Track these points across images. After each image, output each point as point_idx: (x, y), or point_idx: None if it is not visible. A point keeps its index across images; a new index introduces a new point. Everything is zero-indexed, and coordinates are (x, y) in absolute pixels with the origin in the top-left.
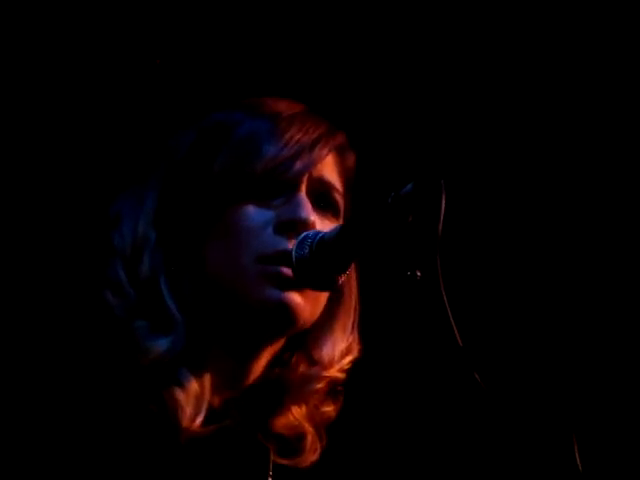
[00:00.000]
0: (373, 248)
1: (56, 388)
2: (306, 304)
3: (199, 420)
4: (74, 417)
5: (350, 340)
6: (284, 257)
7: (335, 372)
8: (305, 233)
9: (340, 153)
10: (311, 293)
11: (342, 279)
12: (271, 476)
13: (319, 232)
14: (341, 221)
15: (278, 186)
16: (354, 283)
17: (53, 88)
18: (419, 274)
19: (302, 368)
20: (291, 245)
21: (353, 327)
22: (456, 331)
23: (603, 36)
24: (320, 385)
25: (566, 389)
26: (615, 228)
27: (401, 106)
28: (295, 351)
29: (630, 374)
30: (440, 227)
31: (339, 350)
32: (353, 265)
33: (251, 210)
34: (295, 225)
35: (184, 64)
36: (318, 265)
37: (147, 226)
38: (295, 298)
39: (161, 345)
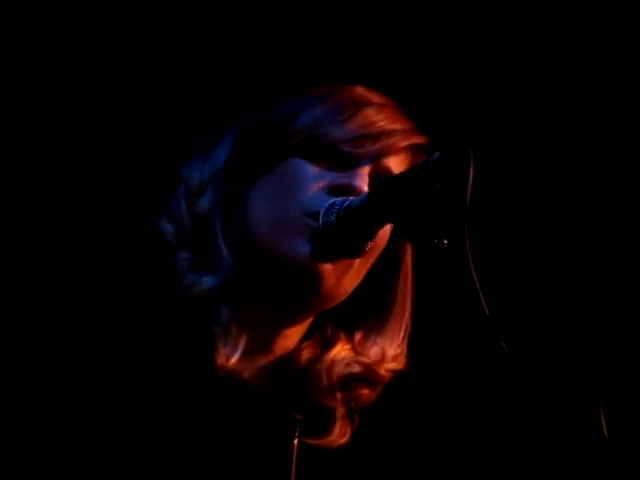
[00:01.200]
0: (401, 215)
1: (95, 311)
2: (334, 272)
3: (234, 359)
4: (111, 342)
5: (400, 350)
6: None
7: (379, 368)
8: (332, 200)
9: (414, 155)
10: (343, 265)
11: (369, 247)
12: (296, 445)
13: (346, 199)
14: None
15: (345, 158)
16: (409, 286)
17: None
18: (446, 242)
19: (344, 352)
20: None
21: (405, 336)
22: (483, 300)
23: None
24: (359, 370)
25: (593, 357)
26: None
27: (431, 76)
28: (337, 332)
29: None
30: (468, 195)
31: (389, 354)
32: (410, 267)
33: (309, 167)
34: (349, 192)
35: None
36: (345, 232)
37: (216, 167)
38: (325, 265)
39: (207, 281)
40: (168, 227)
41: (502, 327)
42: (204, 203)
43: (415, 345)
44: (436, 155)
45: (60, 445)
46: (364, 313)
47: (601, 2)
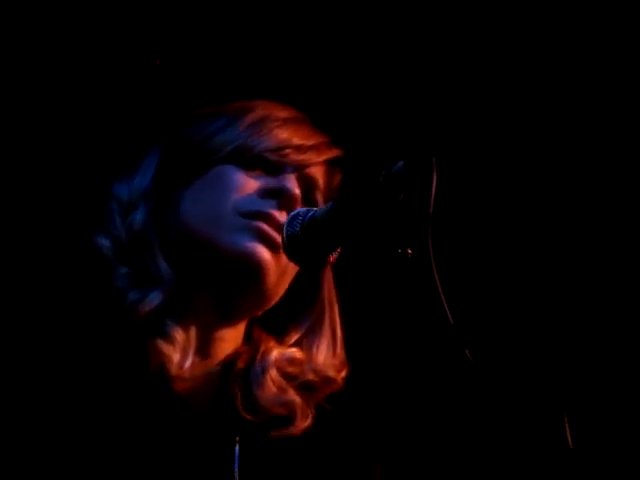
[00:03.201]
0: (364, 226)
1: (39, 337)
2: (277, 268)
3: (187, 366)
4: (57, 368)
5: (341, 358)
6: (266, 217)
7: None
8: (297, 210)
9: (331, 168)
10: (282, 264)
11: (333, 257)
12: (238, 444)
13: (310, 210)
14: None
15: (272, 166)
16: (334, 297)
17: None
18: (410, 252)
19: (275, 353)
20: (274, 210)
21: (341, 346)
22: (447, 309)
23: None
24: (312, 378)
25: (557, 366)
26: (605, 207)
27: (393, 84)
28: (261, 333)
29: (621, 352)
30: (431, 205)
31: (332, 364)
32: (331, 279)
33: (238, 172)
34: (281, 194)
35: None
36: (309, 243)
37: (145, 181)
38: (267, 255)
39: (153, 298)
40: (105, 242)
41: (466, 336)
42: (137, 217)
43: (380, 354)
44: (399, 165)
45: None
46: (290, 319)
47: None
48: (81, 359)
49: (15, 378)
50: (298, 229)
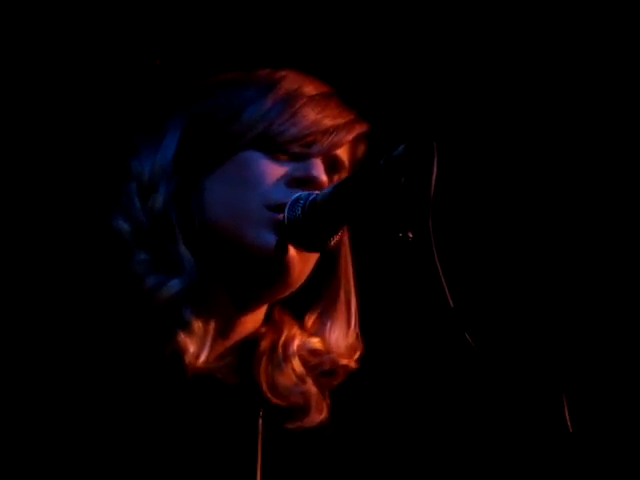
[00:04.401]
0: (365, 210)
1: (55, 322)
2: (299, 261)
3: (203, 358)
4: (76, 354)
5: (355, 335)
6: None
7: (336, 355)
8: (298, 194)
9: (356, 141)
10: (304, 254)
11: (333, 241)
12: (261, 418)
13: (311, 193)
14: None
15: (297, 153)
16: (350, 271)
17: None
18: (411, 235)
19: (297, 338)
20: None
21: (355, 321)
22: (447, 292)
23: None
24: (318, 360)
25: (557, 349)
26: (605, 194)
27: (395, 68)
28: (284, 314)
29: (620, 334)
30: (432, 189)
31: (342, 340)
32: (348, 254)
33: (264, 160)
34: (308, 182)
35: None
36: (310, 226)
37: (165, 161)
38: (292, 251)
39: (173, 285)
40: (124, 226)
41: (466, 319)
42: (158, 200)
43: (381, 337)
44: (400, 149)
45: (29, 444)
46: (310, 298)
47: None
48: (98, 342)
49: (32, 362)
50: (299, 213)
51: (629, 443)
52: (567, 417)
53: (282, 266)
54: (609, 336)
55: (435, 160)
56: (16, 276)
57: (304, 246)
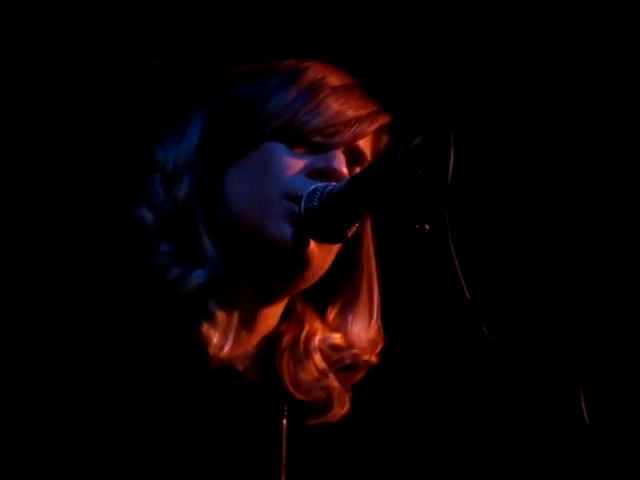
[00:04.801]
0: (382, 201)
1: (78, 313)
2: (319, 254)
3: (227, 349)
4: (99, 345)
5: (375, 328)
6: None
7: (358, 349)
8: (314, 185)
9: (379, 133)
10: (325, 246)
11: (351, 232)
12: (285, 425)
13: (328, 185)
14: None
15: (319, 144)
16: (374, 266)
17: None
18: (427, 227)
19: (319, 332)
20: None
21: (378, 314)
22: (464, 284)
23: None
24: (340, 355)
25: (574, 342)
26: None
27: (411, 60)
28: (305, 308)
29: (637, 327)
30: (449, 180)
31: (364, 334)
32: (371, 247)
33: (286, 151)
34: (329, 174)
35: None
36: (326, 217)
37: (189, 151)
38: (312, 244)
39: (197, 277)
40: (148, 216)
41: (483, 312)
42: (182, 189)
43: (398, 329)
44: (417, 140)
45: (54, 437)
46: (332, 291)
47: None
48: (122, 331)
49: (56, 349)
50: (316, 204)
51: None
52: (584, 410)
53: (302, 258)
54: (625, 329)
55: (452, 152)
56: (39, 267)
57: (321, 237)
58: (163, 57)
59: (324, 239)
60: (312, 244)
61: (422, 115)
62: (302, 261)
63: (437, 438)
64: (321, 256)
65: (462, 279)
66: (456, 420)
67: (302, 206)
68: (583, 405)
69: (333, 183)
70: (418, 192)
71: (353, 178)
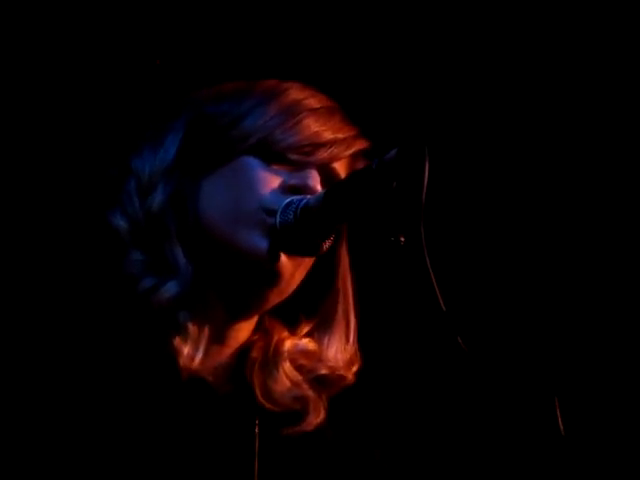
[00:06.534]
0: (357, 213)
1: (50, 319)
2: (291, 267)
3: (197, 360)
4: (70, 353)
5: (353, 350)
6: None
7: (345, 372)
8: (290, 198)
9: (355, 156)
10: (296, 260)
11: (326, 245)
12: (257, 433)
13: (303, 198)
14: None
15: (294, 162)
16: (349, 286)
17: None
18: (403, 239)
19: (288, 343)
20: None
21: (355, 337)
22: (439, 296)
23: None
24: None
25: (548, 352)
26: (596, 198)
27: (387, 74)
28: (274, 322)
29: (613, 337)
30: (424, 193)
31: (344, 359)
32: (348, 268)
33: (262, 166)
34: (304, 191)
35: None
36: (302, 230)
37: (166, 161)
38: (284, 258)
39: (169, 289)
40: (121, 223)
41: (458, 323)
42: (157, 199)
43: (372, 341)
44: (392, 153)
45: (24, 441)
46: (305, 310)
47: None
48: (92, 342)
49: (26, 361)
50: (291, 217)
51: (622, 445)
52: (559, 420)
53: (274, 271)
54: (601, 339)
55: (427, 164)
56: (11, 273)
57: (297, 251)
58: (166, 58)
59: (299, 252)
60: (284, 256)
61: (397, 128)
62: (273, 273)
63: (416, 446)
64: (293, 269)
65: (437, 290)
66: (434, 429)
67: (277, 219)
68: (559, 415)
69: (308, 196)
70: (393, 204)
71: (328, 191)
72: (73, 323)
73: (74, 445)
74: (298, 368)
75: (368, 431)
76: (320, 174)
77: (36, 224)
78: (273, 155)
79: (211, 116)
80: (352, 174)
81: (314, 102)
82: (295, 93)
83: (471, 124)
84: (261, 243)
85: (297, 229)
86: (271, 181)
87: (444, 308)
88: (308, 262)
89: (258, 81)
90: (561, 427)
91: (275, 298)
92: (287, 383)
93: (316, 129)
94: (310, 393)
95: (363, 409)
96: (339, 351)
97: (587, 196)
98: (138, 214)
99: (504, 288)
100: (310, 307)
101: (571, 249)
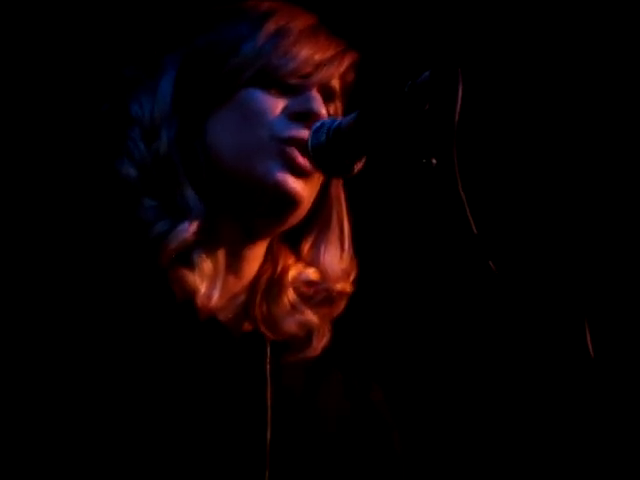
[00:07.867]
0: (389, 135)
1: (64, 269)
2: (308, 195)
3: (215, 298)
4: (85, 304)
5: (349, 257)
6: (299, 144)
7: (332, 280)
8: (321, 121)
9: (353, 68)
10: (311, 183)
11: (359, 166)
12: (269, 363)
13: (335, 120)
14: None
15: (295, 86)
16: (341, 193)
17: None
18: (435, 162)
19: (295, 268)
20: (305, 134)
21: (350, 245)
22: (471, 219)
23: None
24: (315, 289)
25: (579, 275)
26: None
27: None
28: (281, 246)
29: None
30: (457, 115)
31: (341, 267)
32: (340, 185)
33: (264, 95)
34: (308, 116)
35: None
36: (335, 152)
37: (165, 104)
38: (299, 185)
39: (181, 231)
40: (131, 171)
41: (490, 246)
42: (162, 143)
43: (405, 264)
44: (425, 75)
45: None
46: (305, 227)
47: None
48: (108, 290)
49: (40, 308)
50: (323, 139)
51: None
52: (589, 344)
53: (291, 200)
54: (632, 263)
55: (460, 86)
56: (19, 227)
57: (329, 171)
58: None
59: (332, 173)
60: (299, 184)
61: (430, 50)
62: (294, 199)
63: (439, 378)
64: (310, 192)
65: (469, 213)
66: (461, 355)
67: (309, 142)
68: (588, 337)
69: (340, 117)
70: (425, 127)
71: (360, 112)
72: (89, 274)
73: (90, 383)
74: (301, 295)
75: (376, 369)
76: (322, 93)
77: (45, 180)
78: (272, 82)
79: (204, 48)
80: (385, 95)
81: (299, 23)
82: (281, 15)
83: (505, 45)
84: (278, 169)
85: (329, 150)
86: (276, 109)
87: (475, 231)
88: (317, 184)
89: (238, 5)
90: (590, 349)
91: (293, 220)
92: (288, 307)
93: (306, 52)
94: (312, 317)
95: (384, 342)
96: (336, 259)
97: (617, 121)
98: (146, 160)
99: (536, 211)
100: (309, 223)
101: (607, 171)
